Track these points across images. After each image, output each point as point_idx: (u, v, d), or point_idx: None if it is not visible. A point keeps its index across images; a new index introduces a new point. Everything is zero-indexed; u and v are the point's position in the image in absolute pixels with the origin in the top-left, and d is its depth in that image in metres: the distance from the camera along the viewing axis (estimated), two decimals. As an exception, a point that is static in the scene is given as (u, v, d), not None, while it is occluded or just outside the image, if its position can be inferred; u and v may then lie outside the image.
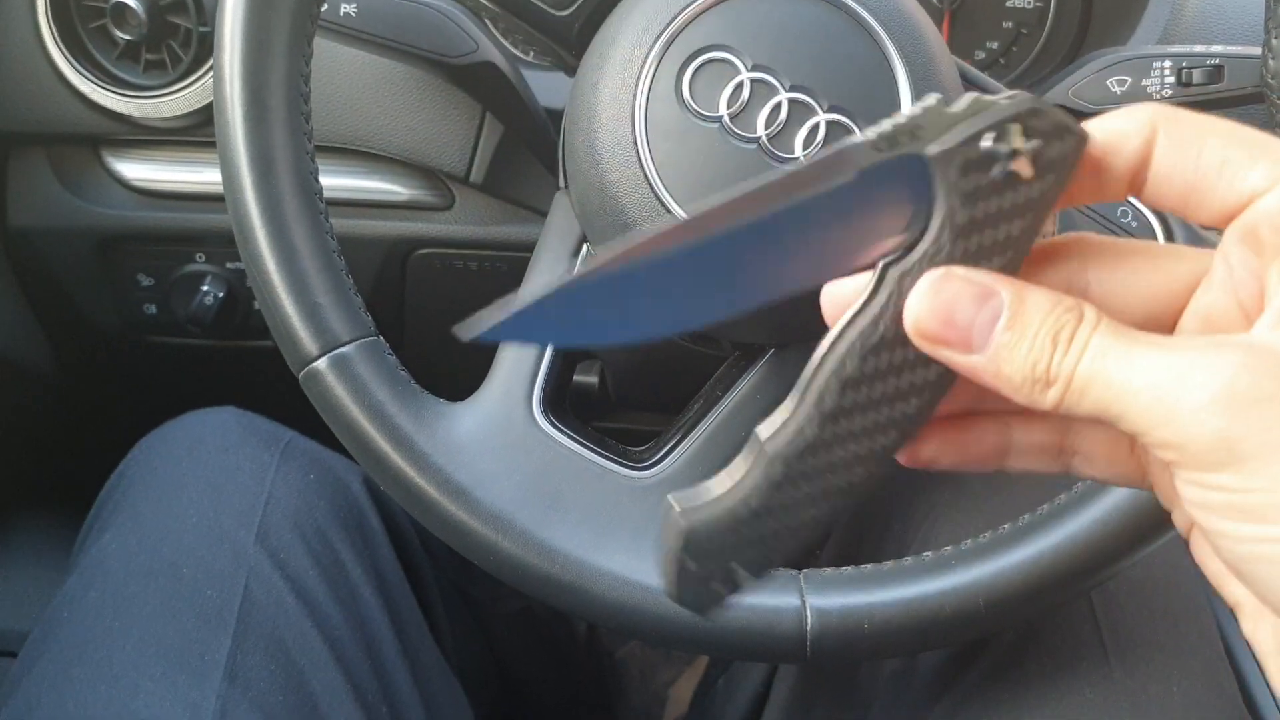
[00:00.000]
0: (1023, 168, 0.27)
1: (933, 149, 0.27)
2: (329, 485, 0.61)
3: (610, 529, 0.47)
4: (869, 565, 0.47)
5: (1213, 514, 0.26)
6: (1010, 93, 0.28)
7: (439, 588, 0.70)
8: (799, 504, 0.30)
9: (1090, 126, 0.29)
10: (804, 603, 0.45)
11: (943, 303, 0.28)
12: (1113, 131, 0.29)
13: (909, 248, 0.29)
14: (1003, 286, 0.28)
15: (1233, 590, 0.30)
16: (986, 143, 0.27)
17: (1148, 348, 0.27)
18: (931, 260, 0.29)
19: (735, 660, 0.86)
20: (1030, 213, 0.28)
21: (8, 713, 0.49)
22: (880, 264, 0.29)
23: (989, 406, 0.32)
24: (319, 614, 0.55)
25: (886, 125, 0.28)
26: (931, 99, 0.28)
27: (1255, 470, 0.25)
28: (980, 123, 0.27)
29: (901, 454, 0.31)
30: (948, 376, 0.30)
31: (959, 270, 0.28)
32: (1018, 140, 0.27)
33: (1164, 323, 0.30)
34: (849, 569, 0.47)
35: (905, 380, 0.30)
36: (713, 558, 0.30)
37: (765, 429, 0.30)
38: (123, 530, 0.56)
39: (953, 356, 0.28)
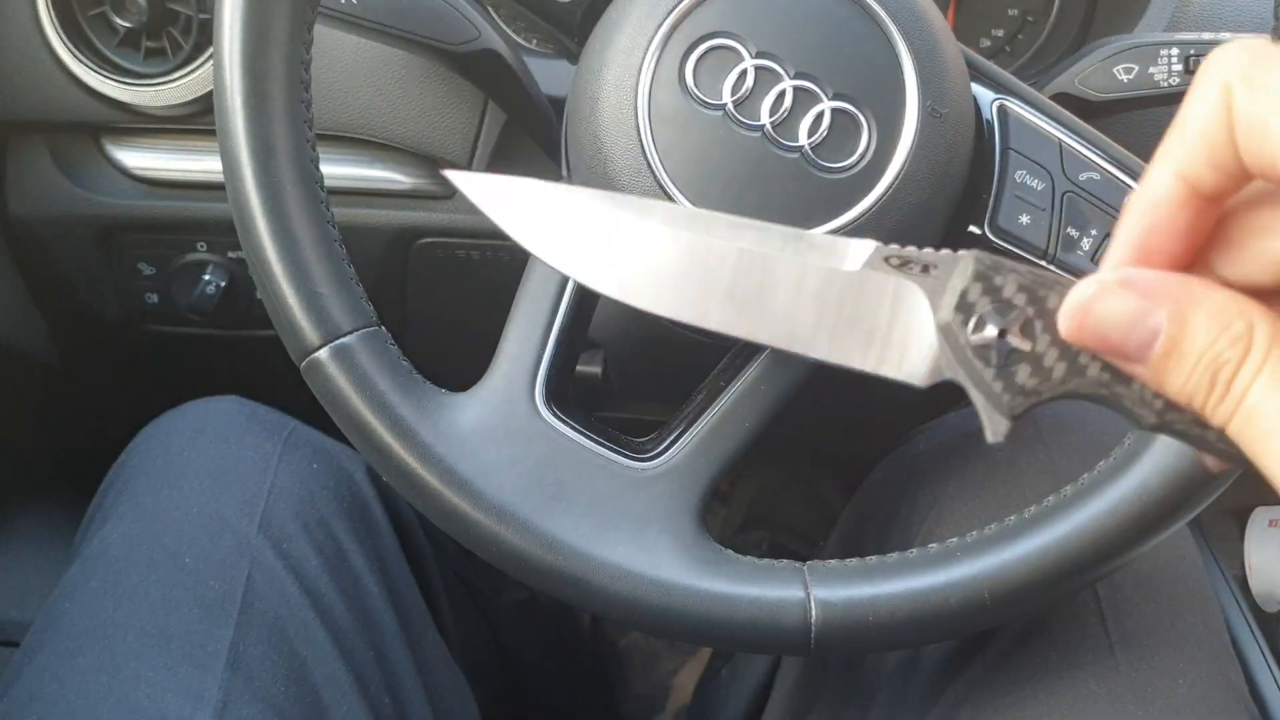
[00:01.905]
0: (1020, 343, 0.28)
1: (941, 317, 0.28)
2: (332, 475, 0.61)
3: (613, 520, 0.47)
4: (874, 557, 0.47)
5: None
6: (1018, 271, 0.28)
7: (442, 578, 0.69)
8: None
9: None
10: (808, 594, 0.45)
11: (1094, 323, 0.26)
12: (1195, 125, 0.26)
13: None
14: (1163, 304, 0.26)
15: None
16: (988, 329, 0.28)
17: None
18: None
19: (739, 652, 0.86)
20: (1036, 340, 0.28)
21: (9, 702, 0.49)
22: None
23: None
24: (322, 604, 0.55)
25: (906, 249, 0.29)
26: (961, 255, 0.28)
27: None
28: (983, 303, 0.28)
29: None
30: None
31: (1113, 280, 0.26)
32: (1011, 320, 0.28)
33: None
34: (853, 561, 0.47)
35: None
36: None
37: None
38: (125, 519, 0.56)
39: (1115, 361, 0.27)
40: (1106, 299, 0.26)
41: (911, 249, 0.30)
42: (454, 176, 0.34)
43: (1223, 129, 0.26)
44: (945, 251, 0.29)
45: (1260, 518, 0.88)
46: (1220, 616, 0.54)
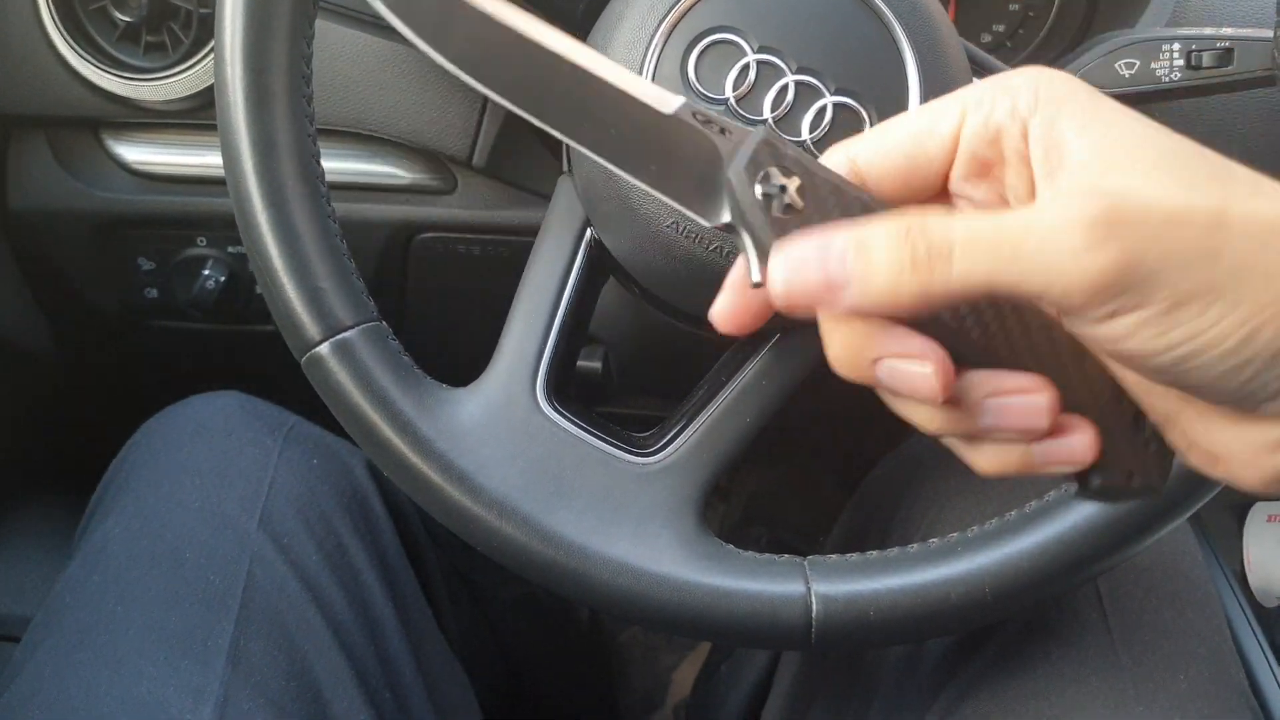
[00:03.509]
0: (795, 200, 0.33)
1: (734, 169, 0.33)
2: (332, 470, 0.61)
3: (614, 515, 0.47)
4: (875, 552, 0.47)
5: (1130, 341, 0.28)
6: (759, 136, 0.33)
7: (442, 572, 0.69)
8: None
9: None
10: (809, 589, 0.45)
11: (794, 266, 0.31)
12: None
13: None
14: (839, 232, 0.30)
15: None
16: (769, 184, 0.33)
17: (1012, 209, 0.30)
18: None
19: (739, 647, 0.86)
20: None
21: (11, 698, 0.49)
22: None
23: None
24: (322, 599, 0.55)
25: (710, 111, 0.35)
26: (753, 128, 0.34)
27: (1158, 284, 0.27)
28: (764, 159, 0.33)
29: None
30: None
31: (792, 237, 0.31)
32: (790, 182, 0.33)
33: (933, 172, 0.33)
34: (855, 555, 0.47)
35: None
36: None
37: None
38: (125, 515, 0.56)
39: (830, 305, 0.30)
40: (793, 247, 0.31)
41: (714, 113, 0.35)
42: None
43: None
44: (738, 124, 0.35)
45: (1259, 513, 0.88)
46: (1221, 612, 0.54)
